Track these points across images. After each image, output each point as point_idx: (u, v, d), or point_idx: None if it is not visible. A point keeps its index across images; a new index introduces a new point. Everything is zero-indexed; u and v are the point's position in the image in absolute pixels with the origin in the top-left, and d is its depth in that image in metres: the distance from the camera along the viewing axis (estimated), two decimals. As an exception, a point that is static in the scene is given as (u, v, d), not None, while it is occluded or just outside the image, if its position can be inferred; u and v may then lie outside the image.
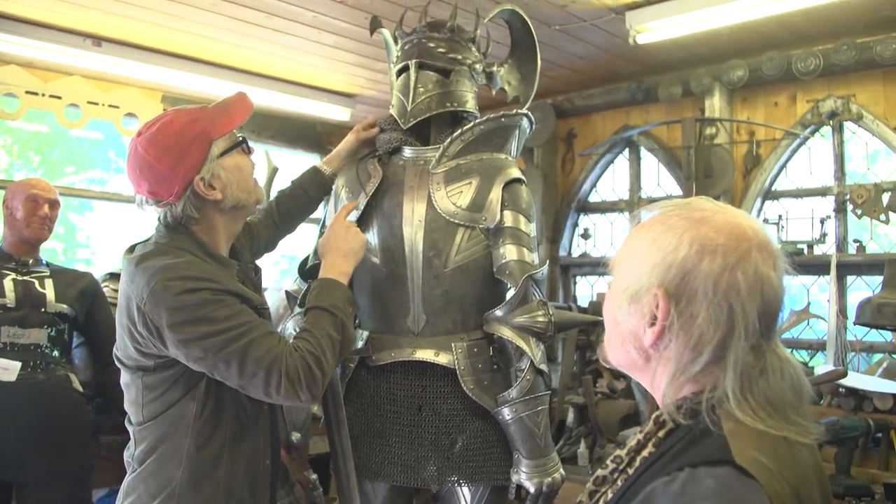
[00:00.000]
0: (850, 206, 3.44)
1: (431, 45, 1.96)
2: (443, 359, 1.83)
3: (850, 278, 3.50)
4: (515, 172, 1.93)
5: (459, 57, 1.97)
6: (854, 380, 2.88)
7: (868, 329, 3.13)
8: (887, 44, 3.21)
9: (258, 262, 1.81)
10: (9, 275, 2.54)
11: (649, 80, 4.04)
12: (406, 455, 1.85)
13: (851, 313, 3.04)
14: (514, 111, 1.97)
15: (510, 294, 1.85)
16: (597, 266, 4.40)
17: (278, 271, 4.50)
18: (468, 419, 1.84)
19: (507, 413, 1.79)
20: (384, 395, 1.90)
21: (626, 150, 4.41)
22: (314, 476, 2.95)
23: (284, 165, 2.76)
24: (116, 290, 2.85)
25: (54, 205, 2.69)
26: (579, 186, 4.52)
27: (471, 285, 1.86)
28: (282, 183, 2.09)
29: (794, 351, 3.55)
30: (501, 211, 1.85)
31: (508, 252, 1.83)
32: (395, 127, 1.99)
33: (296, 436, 2.86)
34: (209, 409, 1.43)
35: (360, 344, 1.90)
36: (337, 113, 4.48)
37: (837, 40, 3.33)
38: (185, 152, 1.42)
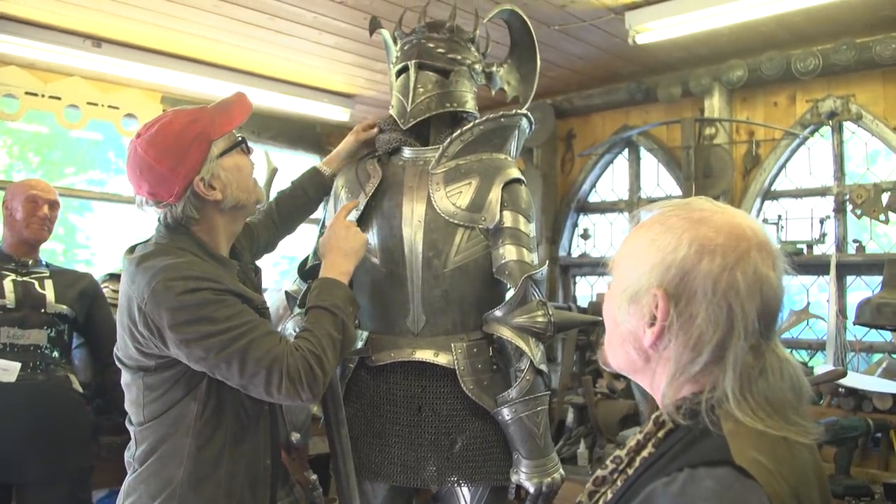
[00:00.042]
0: (849, 206, 3.44)
1: (431, 45, 1.96)
2: (442, 359, 1.83)
3: (849, 278, 3.50)
4: (515, 173, 1.93)
5: (459, 57, 1.97)
6: (853, 380, 2.88)
7: (867, 329, 3.14)
8: (887, 44, 3.21)
9: (258, 262, 1.81)
10: (8, 276, 2.54)
11: (649, 80, 4.04)
12: (406, 455, 1.85)
13: (851, 313, 3.04)
14: (514, 111, 1.97)
15: (510, 294, 1.85)
16: (596, 266, 4.40)
17: (278, 272, 4.49)
18: (468, 419, 1.84)
19: (506, 413, 1.79)
20: (384, 395, 1.89)
21: (626, 150, 4.41)
22: (314, 476, 2.95)
23: (284, 166, 2.75)
24: (116, 291, 2.87)
25: (54, 205, 2.69)
26: (579, 187, 4.52)
27: (470, 286, 1.86)
28: (281, 183, 2.09)
29: (794, 351, 3.55)
30: (501, 211, 1.85)
31: (508, 252, 1.83)
32: (394, 127, 1.98)
33: (295, 436, 2.86)
34: (210, 410, 1.43)
35: (359, 344, 1.89)
36: (336, 113, 4.49)
37: (837, 40, 3.33)
38: (185, 153, 1.42)
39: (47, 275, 2.64)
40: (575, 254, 4.61)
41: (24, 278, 2.57)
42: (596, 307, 3.75)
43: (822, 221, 3.50)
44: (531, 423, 1.78)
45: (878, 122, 3.37)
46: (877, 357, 3.23)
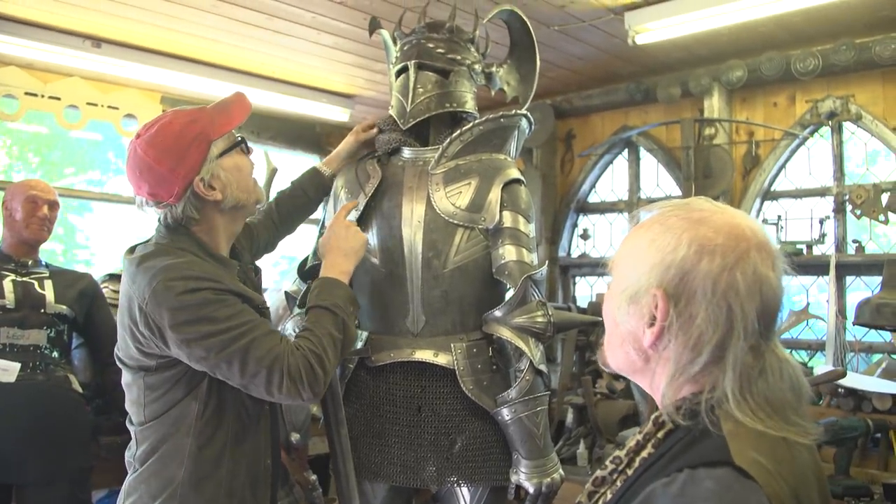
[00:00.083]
0: (849, 207, 3.44)
1: (430, 45, 1.96)
2: (442, 359, 1.83)
3: (849, 279, 3.50)
4: (514, 173, 1.93)
5: (458, 57, 1.97)
6: (853, 380, 2.88)
7: (867, 329, 3.13)
8: (886, 44, 3.21)
9: (258, 262, 1.81)
10: (8, 276, 2.54)
11: (648, 80, 4.04)
12: (405, 455, 1.85)
13: (850, 314, 3.04)
14: (514, 112, 1.97)
15: (509, 295, 1.85)
16: (596, 266, 4.40)
17: (278, 272, 4.50)
18: (467, 420, 1.84)
19: (506, 413, 1.79)
20: (383, 395, 1.89)
21: (626, 150, 4.41)
22: (314, 477, 2.95)
23: (284, 166, 2.75)
24: (116, 291, 2.89)
25: (53, 206, 2.69)
26: (578, 187, 4.52)
27: (470, 286, 1.86)
28: (281, 184, 2.09)
29: (794, 351, 3.55)
30: (500, 211, 1.85)
31: (507, 252, 1.83)
32: (394, 128, 1.98)
33: (295, 436, 2.86)
34: (211, 409, 1.43)
35: (359, 345, 1.89)
36: (336, 113, 4.49)
37: (836, 40, 3.33)
38: (185, 153, 1.43)
39: (47, 275, 2.64)
40: (574, 254, 4.61)
41: (24, 278, 2.57)
42: (595, 307, 3.75)
43: (821, 222, 3.50)
44: (531, 424, 1.78)
45: (878, 122, 3.38)
46: (876, 357, 3.23)
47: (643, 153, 4.33)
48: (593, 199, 4.60)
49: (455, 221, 1.85)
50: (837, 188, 3.52)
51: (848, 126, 3.56)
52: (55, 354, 2.56)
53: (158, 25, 3.26)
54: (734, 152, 3.77)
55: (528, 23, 2.10)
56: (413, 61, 1.93)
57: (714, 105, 3.78)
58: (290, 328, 1.92)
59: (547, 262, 4.12)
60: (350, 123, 4.16)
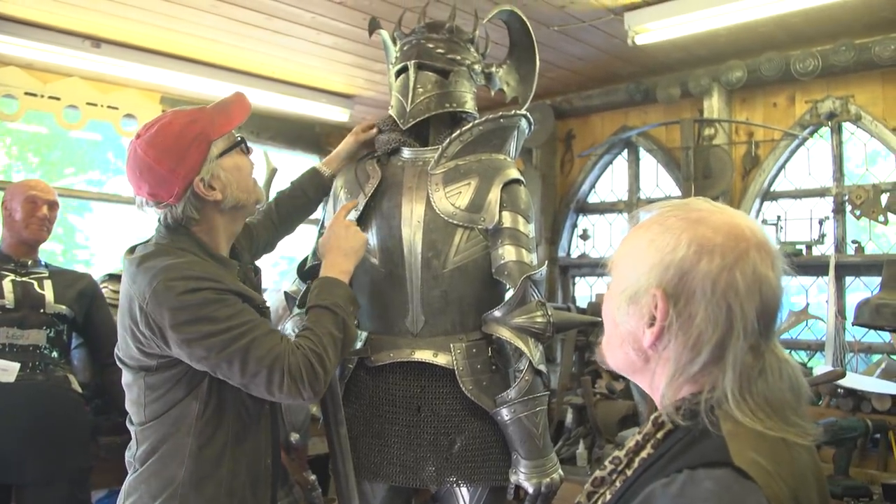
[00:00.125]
0: (848, 207, 3.44)
1: (430, 45, 1.96)
2: (441, 359, 1.83)
3: (848, 279, 3.50)
4: (514, 173, 1.93)
5: (458, 58, 1.97)
6: (852, 380, 2.88)
7: (866, 330, 3.13)
8: (886, 44, 3.21)
9: (258, 262, 1.81)
10: (8, 276, 2.54)
11: (648, 80, 4.04)
12: (405, 455, 1.85)
13: (850, 314, 3.04)
14: (513, 112, 1.97)
15: (509, 295, 1.85)
16: (595, 267, 4.40)
17: (277, 272, 4.49)
18: (467, 420, 1.84)
19: (505, 414, 1.79)
20: (383, 395, 1.89)
21: (625, 150, 4.41)
22: (313, 477, 2.95)
23: (283, 166, 2.75)
24: (115, 291, 2.89)
25: (53, 206, 2.69)
26: (578, 187, 4.52)
27: (469, 286, 1.87)
28: (281, 184, 2.09)
29: (793, 352, 3.55)
30: (500, 212, 1.85)
31: (507, 253, 1.84)
32: (393, 128, 1.98)
33: (295, 437, 2.87)
34: (211, 409, 1.44)
35: (358, 345, 1.89)
36: (336, 114, 4.49)
37: (836, 41, 3.33)
38: (185, 153, 1.43)
39: (46, 275, 2.64)
40: (574, 254, 4.61)
41: (24, 278, 2.57)
42: (595, 308, 3.75)
43: (821, 222, 3.50)
44: (530, 424, 1.78)
45: (877, 122, 3.38)
46: (876, 358, 3.23)
47: (643, 153, 4.33)
48: (593, 199, 4.60)
49: (454, 221, 1.85)
50: (837, 189, 3.52)
51: (847, 126, 3.56)
52: (55, 354, 2.56)
53: (158, 25, 3.26)
54: (734, 153, 3.77)
55: (528, 23, 2.10)
56: (413, 61, 1.93)
57: (714, 105, 3.78)
58: (289, 328, 1.92)
59: (546, 262, 4.12)
60: (350, 123, 4.16)
